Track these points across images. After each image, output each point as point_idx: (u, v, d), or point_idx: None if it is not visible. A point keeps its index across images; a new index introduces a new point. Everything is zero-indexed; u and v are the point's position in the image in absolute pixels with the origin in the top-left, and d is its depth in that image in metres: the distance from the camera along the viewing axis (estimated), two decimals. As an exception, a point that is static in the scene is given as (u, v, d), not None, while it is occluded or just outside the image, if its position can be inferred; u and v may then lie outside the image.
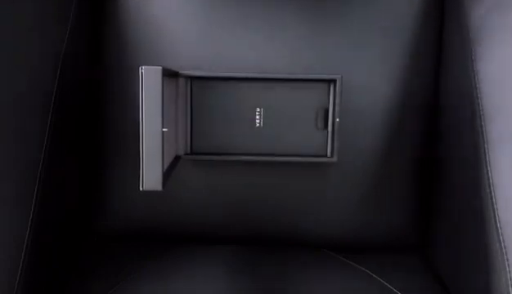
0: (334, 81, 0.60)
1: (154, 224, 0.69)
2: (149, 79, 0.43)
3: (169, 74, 0.51)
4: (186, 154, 0.61)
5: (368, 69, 0.66)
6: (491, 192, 0.52)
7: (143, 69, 0.43)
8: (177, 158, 0.58)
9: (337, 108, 0.60)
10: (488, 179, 0.53)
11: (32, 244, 0.51)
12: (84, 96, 0.67)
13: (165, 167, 0.46)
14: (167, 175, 0.48)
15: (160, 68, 0.43)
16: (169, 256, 0.64)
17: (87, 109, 0.67)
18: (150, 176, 0.44)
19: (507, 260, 0.48)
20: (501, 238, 0.49)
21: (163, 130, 0.44)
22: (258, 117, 0.62)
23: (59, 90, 0.58)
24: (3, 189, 0.49)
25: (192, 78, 0.61)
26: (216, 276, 0.59)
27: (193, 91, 0.61)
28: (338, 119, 0.61)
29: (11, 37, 0.51)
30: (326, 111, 0.62)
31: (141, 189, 0.44)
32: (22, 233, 0.51)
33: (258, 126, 0.62)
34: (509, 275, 0.48)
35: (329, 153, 0.62)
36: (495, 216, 0.51)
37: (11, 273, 0.49)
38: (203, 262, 0.62)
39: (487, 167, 0.53)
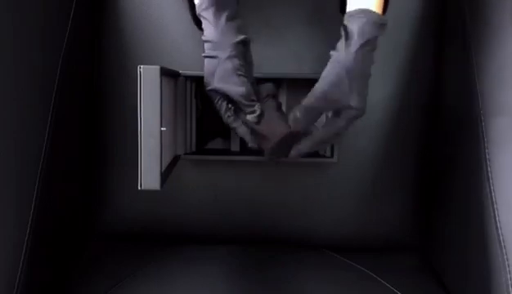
0: None
1: (155, 224, 0.69)
2: (147, 78, 0.43)
3: (168, 74, 0.51)
4: (186, 154, 0.62)
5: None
6: (491, 192, 0.52)
7: (141, 69, 0.43)
8: (176, 158, 0.58)
9: None
10: (488, 179, 0.52)
11: (32, 244, 0.51)
12: (84, 96, 0.67)
13: (164, 166, 0.46)
14: (165, 174, 0.48)
15: (158, 67, 0.43)
16: (169, 256, 0.64)
17: (87, 108, 0.67)
18: (149, 176, 0.44)
19: (507, 260, 0.48)
20: (501, 238, 0.49)
21: (162, 129, 0.44)
22: None
23: (59, 89, 0.58)
24: (3, 188, 0.49)
25: (193, 78, 0.61)
26: (216, 276, 0.59)
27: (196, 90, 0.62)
28: None
29: (11, 36, 0.51)
30: None
31: (139, 188, 0.44)
32: (22, 233, 0.51)
33: None
34: (509, 275, 0.48)
35: (329, 153, 0.62)
36: (495, 216, 0.51)
37: (11, 273, 0.49)
38: (203, 262, 0.62)
39: (487, 166, 0.53)
